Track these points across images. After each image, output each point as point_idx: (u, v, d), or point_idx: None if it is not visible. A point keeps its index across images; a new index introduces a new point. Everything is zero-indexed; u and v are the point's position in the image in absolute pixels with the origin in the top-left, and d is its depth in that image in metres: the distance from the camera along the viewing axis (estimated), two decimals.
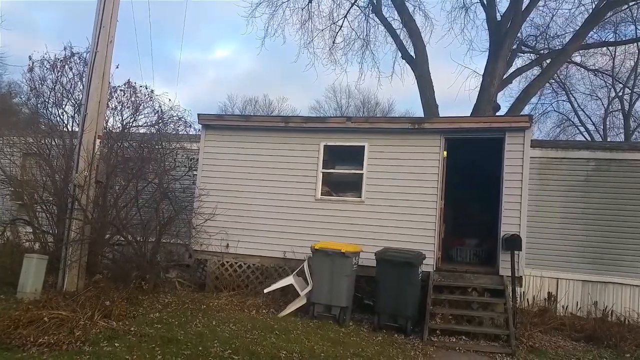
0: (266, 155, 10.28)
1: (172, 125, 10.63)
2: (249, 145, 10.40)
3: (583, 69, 22.06)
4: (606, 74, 22.44)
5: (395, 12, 18.04)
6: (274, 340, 6.77)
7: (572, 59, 20.89)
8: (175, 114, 10.55)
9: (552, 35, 19.72)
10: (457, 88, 39.36)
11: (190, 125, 10.62)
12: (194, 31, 56.89)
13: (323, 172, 10.00)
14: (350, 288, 8.46)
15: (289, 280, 8.76)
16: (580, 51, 20.60)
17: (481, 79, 16.96)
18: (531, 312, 9.77)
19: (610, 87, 26.07)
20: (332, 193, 10.12)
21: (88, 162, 7.92)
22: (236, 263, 10.17)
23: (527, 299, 10.29)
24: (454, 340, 7.78)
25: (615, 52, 23.74)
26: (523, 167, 8.85)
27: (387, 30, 18.38)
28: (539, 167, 11.12)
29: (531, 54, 19.87)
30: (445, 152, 9.39)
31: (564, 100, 26.94)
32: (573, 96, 26.76)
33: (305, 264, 8.69)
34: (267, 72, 52.47)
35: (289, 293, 9.07)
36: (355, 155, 9.81)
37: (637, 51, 23.83)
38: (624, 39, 19.19)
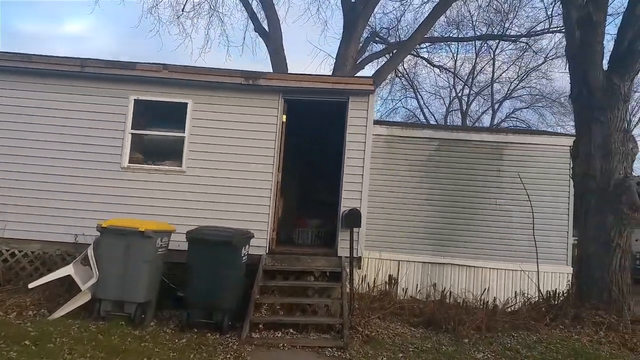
0: (55, 109, 7.74)
1: None
2: (32, 95, 7.75)
3: (429, 66, 22.72)
4: (449, 72, 23.38)
5: None
6: (12, 356, 4.54)
7: (420, 54, 21.36)
8: None
9: (402, 31, 19.94)
10: (313, 71, 38.89)
11: None
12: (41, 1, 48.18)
13: (133, 134, 7.79)
14: (154, 278, 6.45)
15: (66, 270, 6.45)
16: (428, 46, 21.15)
17: (334, 62, 16.07)
18: (371, 296, 8.75)
19: (451, 87, 27.72)
20: (145, 161, 7.96)
21: None
22: (7, 250, 7.46)
23: (368, 283, 9.29)
24: (279, 335, 6.24)
25: (457, 53, 25.12)
26: (366, 136, 7.70)
27: None
28: (384, 146, 10.27)
29: (383, 44, 19.72)
30: (284, 117, 7.86)
31: (411, 97, 27.93)
32: (420, 94, 27.90)
33: (90, 249, 6.46)
34: (122, 50, 46.70)
35: (74, 288, 6.72)
36: (175, 115, 7.78)
37: (474, 55, 25.59)
38: (465, 36, 19.91)
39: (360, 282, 9.14)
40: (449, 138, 10.41)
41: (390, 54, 18.08)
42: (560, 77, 36.81)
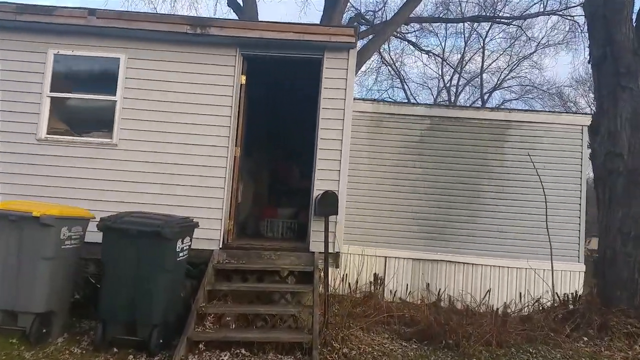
0: None
1: None
2: None
3: (417, 52, 21.16)
4: (437, 56, 21.84)
5: None
6: None
7: (407, 38, 19.80)
8: None
9: (389, 13, 18.39)
10: None
11: None
12: None
13: (52, 98, 6.06)
14: (61, 280, 4.74)
15: None
16: (416, 31, 19.63)
17: None
18: (353, 299, 7.14)
19: (439, 77, 26.23)
20: (69, 131, 6.22)
21: None
22: None
23: (349, 283, 7.69)
24: (226, 357, 4.57)
25: (446, 38, 23.61)
26: (345, 101, 6.06)
27: None
28: (370, 125, 8.69)
29: (368, 25, 18.12)
30: (244, 78, 6.19)
31: (398, 87, 26.39)
32: (407, 84, 26.37)
33: None
34: None
35: None
36: (105, 74, 6.08)
37: (463, 43, 24.13)
38: (452, 17, 18.38)
39: (341, 281, 7.58)
40: (444, 116, 8.83)
41: (375, 34, 16.45)
42: (551, 68, 35.57)
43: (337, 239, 5.85)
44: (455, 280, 8.40)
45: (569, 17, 16.94)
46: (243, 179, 7.25)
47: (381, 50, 20.82)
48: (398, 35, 18.25)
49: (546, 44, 21.35)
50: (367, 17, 18.58)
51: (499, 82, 25.06)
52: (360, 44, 16.92)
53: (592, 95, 29.02)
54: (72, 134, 6.16)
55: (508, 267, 8.47)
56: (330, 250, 5.69)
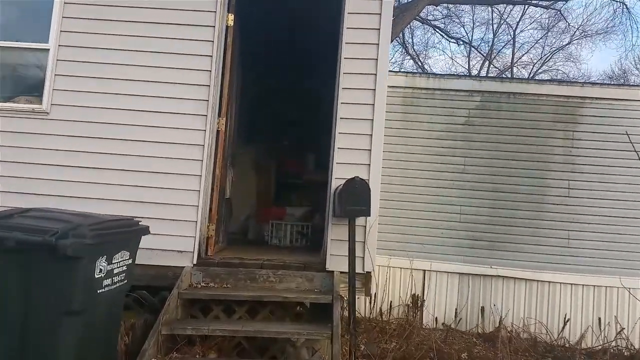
0: None
1: None
2: None
3: (444, 41, 18.84)
4: (467, 44, 19.46)
5: None
6: None
7: (435, 24, 17.54)
8: None
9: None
10: None
11: None
12: None
13: None
14: None
15: None
16: (444, 18, 17.34)
17: None
18: (387, 329, 5.05)
19: (467, 72, 23.79)
20: None
21: None
22: None
23: (380, 308, 5.56)
24: None
25: (472, 31, 21.27)
26: (379, 50, 3.91)
27: None
28: (402, 104, 6.55)
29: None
30: (231, 17, 4.11)
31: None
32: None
33: None
34: None
35: None
36: (34, 13, 4.08)
37: (492, 36, 21.71)
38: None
39: (371, 304, 5.51)
40: (499, 91, 6.60)
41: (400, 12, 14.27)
42: (586, 61, 32.59)
43: (368, 253, 3.70)
44: (516, 301, 6.18)
45: None
46: (237, 167, 5.19)
47: (406, 43, 18.74)
48: (424, 21, 16.05)
49: (583, 33, 18.76)
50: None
51: (531, 74, 22.46)
52: None
53: None
54: None
55: (583, 285, 6.22)
56: (359, 270, 3.56)
